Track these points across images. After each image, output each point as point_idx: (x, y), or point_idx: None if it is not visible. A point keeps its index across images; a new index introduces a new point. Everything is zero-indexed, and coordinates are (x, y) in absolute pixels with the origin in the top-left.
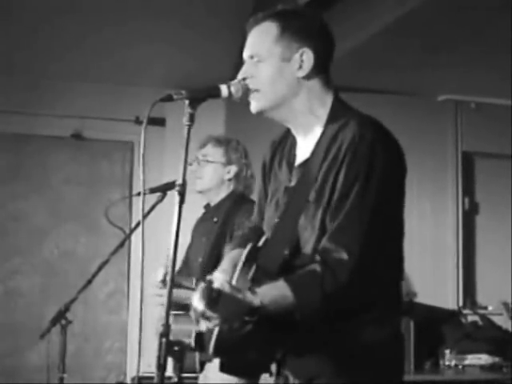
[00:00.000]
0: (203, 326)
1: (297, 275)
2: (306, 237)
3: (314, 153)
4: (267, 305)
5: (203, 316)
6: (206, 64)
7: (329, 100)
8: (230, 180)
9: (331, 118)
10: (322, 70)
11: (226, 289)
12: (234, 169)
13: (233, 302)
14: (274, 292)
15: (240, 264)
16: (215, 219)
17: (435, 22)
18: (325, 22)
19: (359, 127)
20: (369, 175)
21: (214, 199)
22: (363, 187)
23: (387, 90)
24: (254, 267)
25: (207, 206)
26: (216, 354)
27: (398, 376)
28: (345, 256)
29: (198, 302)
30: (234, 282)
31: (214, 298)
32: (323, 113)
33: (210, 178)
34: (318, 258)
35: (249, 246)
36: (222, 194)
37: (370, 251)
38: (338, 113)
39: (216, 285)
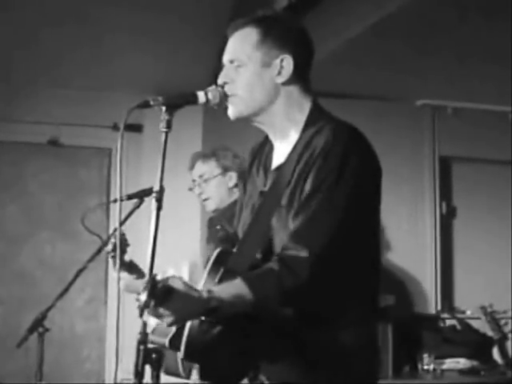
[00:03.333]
0: (152, 321)
1: (254, 273)
2: (278, 240)
3: (288, 157)
4: (224, 303)
5: (151, 311)
6: (184, 70)
7: (307, 106)
8: (235, 186)
9: (308, 124)
10: (301, 76)
11: (179, 286)
12: (233, 174)
13: (187, 300)
14: (232, 290)
15: (208, 267)
16: (218, 227)
17: (412, 27)
18: (305, 29)
19: (333, 132)
20: (339, 178)
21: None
22: (331, 189)
23: (364, 94)
24: (221, 271)
25: (210, 221)
26: (187, 357)
27: (372, 381)
28: (304, 254)
29: (141, 293)
30: (201, 286)
31: (164, 294)
32: (300, 118)
33: (217, 193)
34: (275, 256)
35: (217, 250)
36: (230, 201)
37: (335, 251)
38: (315, 118)
39: (170, 282)
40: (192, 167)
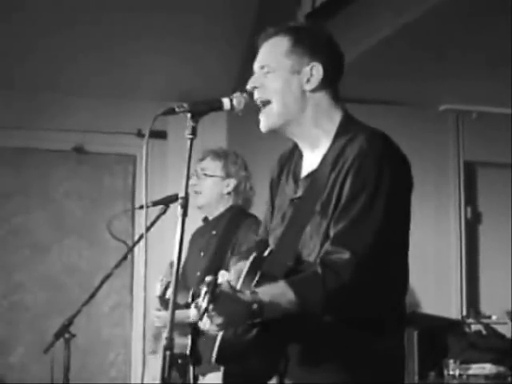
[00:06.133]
0: (207, 325)
1: (297, 277)
2: (311, 246)
3: (321, 164)
4: (268, 304)
5: (208, 314)
6: (207, 77)
7: (337, 115)
8: (229, 193)
9: (339, 132)
10: (330, 85)
11: (225, 288)
12: (233, 182)
13: (234, 302)
14: (275, 291)
15: (244, 272)
16: (214, 232)
17: (435, 32)
18: (334, 39)
19: (367, 140)
20: (377, 185)
21: (213, 213)
22: (371, 196)
23: (388, 100)
24: (258, 274)
25: (205, 219)
26: (218, 361)
27: None
28: (347, 255)
29: (202, 298)
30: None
31: (216, 296)
32: (331, 127)
33: (210, 192)
34: (318, 260)
35: (253, 255)
36: (221, 207)
37: (376, 255)
38: (347, 127)
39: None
40: (202, 160)
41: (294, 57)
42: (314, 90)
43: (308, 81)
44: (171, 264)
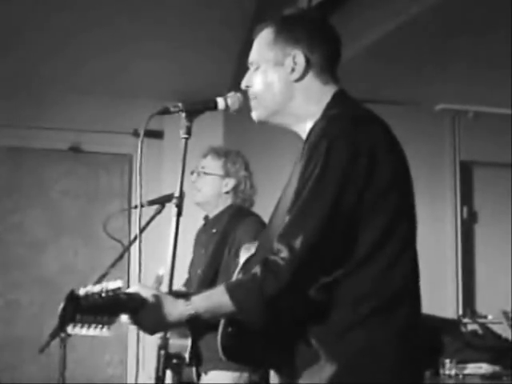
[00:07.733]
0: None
1: (238, 281)
2: None
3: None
4: (205, 311)
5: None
6: (204, 76)
7: (327, 97)
8: (227, 193)
9: (321, 117)
10: (322, 70)
11: (148, 296)
12: (231, 182)
13: (157, 312)
14: (212, 300)
15: (238, 269)
16: (214, 230)
17: (433, 31)
18: (325, 22)
19: (326, 123)
20: (323, 170)
21: (213, 211)
22: (314, 186)
23: (384, 99)
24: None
25: (206, 218)
26: (225, 356)
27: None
28: (286, 255)
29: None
30: None
31: (136, 306)
32: (319, 110)
33: (208, 190)
34: (262, 259)
35: (250, 252)
36: (220, 206)
37: (318, 251)
38: (330, 110)
39: (139, 291)
40: (203, 157)
41: (277, 48)
42: (300, 79)
43: (293, 70)
44: (157, 278)
